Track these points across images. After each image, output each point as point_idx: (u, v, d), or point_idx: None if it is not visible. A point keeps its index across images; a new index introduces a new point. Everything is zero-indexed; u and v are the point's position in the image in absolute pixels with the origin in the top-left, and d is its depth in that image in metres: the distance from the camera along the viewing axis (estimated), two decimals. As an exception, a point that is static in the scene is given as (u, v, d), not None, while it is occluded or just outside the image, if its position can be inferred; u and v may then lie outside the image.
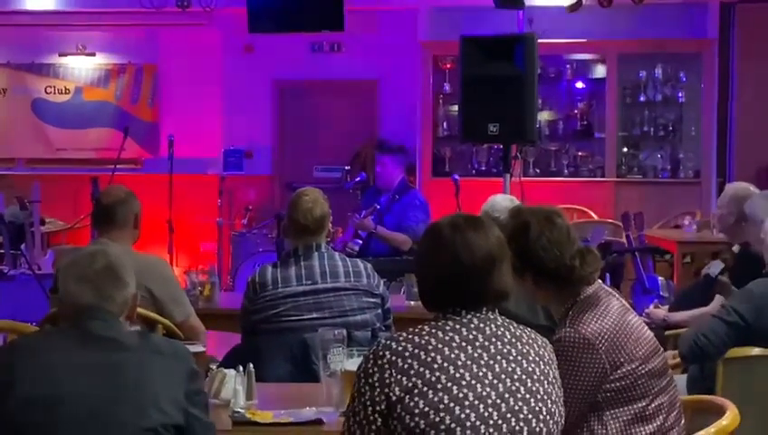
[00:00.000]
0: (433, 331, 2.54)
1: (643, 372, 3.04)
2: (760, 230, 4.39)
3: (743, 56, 10.39)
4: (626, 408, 3.03)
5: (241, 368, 3.40)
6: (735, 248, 5.19)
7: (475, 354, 2.51)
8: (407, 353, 2.48)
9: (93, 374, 2.58)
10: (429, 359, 2.47)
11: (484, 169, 10.87)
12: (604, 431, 3.02)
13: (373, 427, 2.47)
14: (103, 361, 2.61)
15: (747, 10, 10.27)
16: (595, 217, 9.99)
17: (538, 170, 10.83)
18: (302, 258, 4.40)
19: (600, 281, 3.21)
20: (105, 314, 2.69)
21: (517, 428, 2.47)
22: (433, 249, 2.64)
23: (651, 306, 5.52)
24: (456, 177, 7.98)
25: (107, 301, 2.71)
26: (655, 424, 3.05)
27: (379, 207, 7.41)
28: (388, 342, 2.53)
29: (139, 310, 4.32)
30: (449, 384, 2.45)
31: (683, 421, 3.16)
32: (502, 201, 5.08)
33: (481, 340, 2.53)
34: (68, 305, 2.75)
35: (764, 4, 9.09)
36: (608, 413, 3.03)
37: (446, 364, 2.47)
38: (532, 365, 2.55)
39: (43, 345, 2.72)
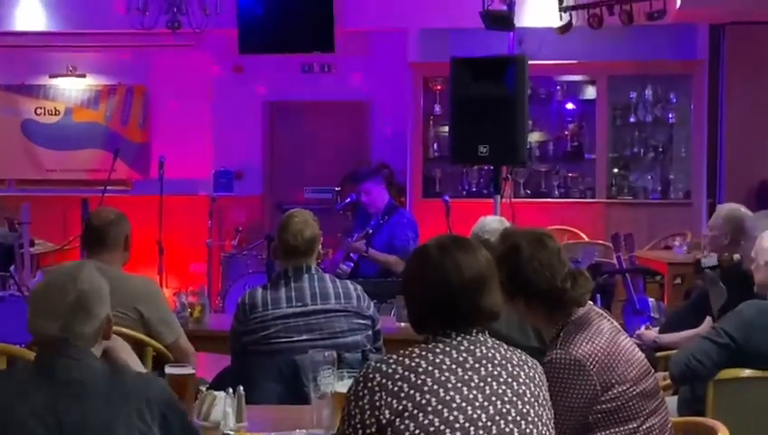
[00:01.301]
0: (423, 353, 2.53)
1: (634, 393, 3.04)
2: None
3: (732, 77, 10.42)
4: (617, 429, 3.03)
5: (231, 390, 3.38)
6: (737, 257, 5.18)
7: (466, 377, 2.50)
8: (397, 376, 2.48)
9: (52, 427, 2.50)
10: (420, 381, 2.47)
11: (474, 190, 10.87)
12: (595, 453, 3.01)
13: (364, 449, 2.46)
14: (65, 411, 2.52)
15: (737, 31, 10.31)
16: (585, 238, 9.99)
17: (528, 191, 10.84)
18: (292, 280, 4.39)
19: (590, 303, 3.20)
20: (74, 350, 2.61)
21: (508, 450, 2.46)
22: (421, 271, 2.63)
23: (642, 328, 5.52)
24: (447, 198, 7.97)
25: (77, 337, 2.63)
26: (646, 446, 3.05)
27: (371, 231, 7.43)
28: (379, 364, 2.52)
29: (129, 331, 4.31)
30: (440, 407, 2.44)
31: (674, 443, 3.15)
32: (492, 222, 5.07)
33: (471, 362, 2.53)
34: (37, 337, 2.67)
35: (754, 25, 9.12)
36: (599, 435, 3.02)
37: (436, 387, 2.46)
38: (523, 387, 2.54)
39: (3, 389, 2.61)
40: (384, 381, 2.47)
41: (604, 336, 3.07)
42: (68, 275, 2.75)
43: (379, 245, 7.36)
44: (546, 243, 3.19)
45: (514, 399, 2.51)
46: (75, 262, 2.87)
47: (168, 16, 9.66)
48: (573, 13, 9.54)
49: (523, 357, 2.63)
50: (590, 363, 3.00)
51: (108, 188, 9.56)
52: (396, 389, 2.46)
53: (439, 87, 10.82)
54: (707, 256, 5.15)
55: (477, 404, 2.47)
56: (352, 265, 7.41)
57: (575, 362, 3.00)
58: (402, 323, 5.19)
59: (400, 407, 2.44)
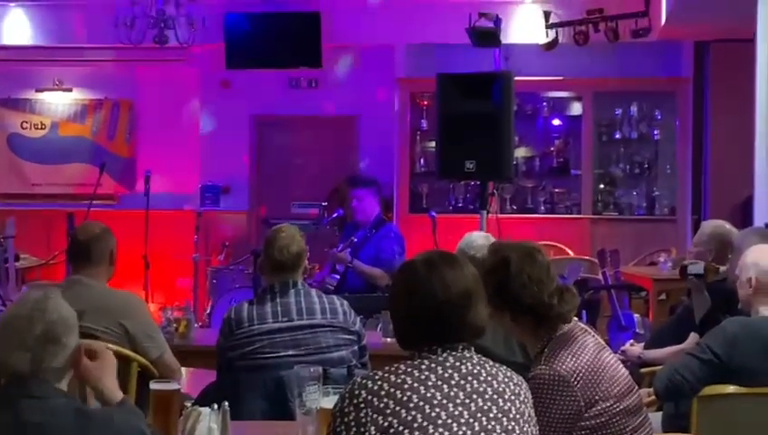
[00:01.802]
0: (409, 369, 2.53)
1: (618, 409, 3.05)
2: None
3: (717, 95, 10.47)
4: (601, 446, 3.03)
5: (216, 406, 3.38)
6: (723, 269, 5.20)
7: (451, 393, 2.50)
8: (382, 392, 2.48)
9: None
10: (405, 398, 2.47)
11: (461, 205, 10.89)
12: (580, 469, 3.01)
13: (349, 466, 2.46)
14: None
15: (721, 49, 10.36)
16: (571, 253, 10.02)
17: (515, 207, 10.86)
18: (278, 295, 4.39)
19: (576, 319, 3.21)
20: (39, 388, 2.54)
21: (493, 466, 2.47)
22: (408, 287, 2.63)
23: (627, 344, 5.53)
24: (433, 213, 7.98)
25: (45, 372, 2.57)
26: (630, 462, 3.06)
27: (356, 240, 7.41)
28: (364, 380, 2.52)
29: (114, 347, 4.30)
30: (425, 423, 2.44)
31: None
32: (478, 238, 5.08)
33: (457, 378, 2.53)
34: (4, 370, 2.59)
35: (738, 43, 9.16)
36: (583, 451, 3.03)
37: (421, 403, 2.46)
38: (508, 404, 2.54)
39: None
40: (370, 397, 2.48)
41: (588, 352, 3.08)
42: (35, 305, 2.67)
43: (365, 258, 7.35)
44: (536, 257, 3.20)
45: (500, 415, 2.51)
46: (40, 292, 2.74)
47: (156, 31, 9.65)
48: (559, 30, 9.60)
49: (509, 373, 2.63)
50: (575, 380, 3.01)
51: (94, 202, 9.53)
52: (381, 405, 2.46)
53: (426, 103, 10.85)
54: (694, 263, 5.16)
55: (463, 421, 2.47)
56: (339, 277, 7.39)
57: (559, 377, 3.01)
58: (388, 339, 5.19)
59: (386, 423, 2.44)
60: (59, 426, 2.51)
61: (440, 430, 2.44)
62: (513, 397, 2.57)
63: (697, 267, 5.08)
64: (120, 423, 2.66)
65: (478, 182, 7.72)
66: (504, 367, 2.65)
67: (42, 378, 2.55)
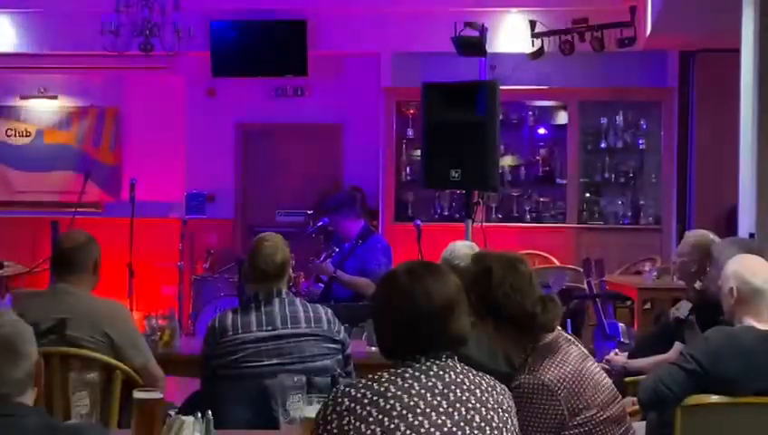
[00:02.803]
0: (392, 378, 2.53)
1: (601, 419, 3.05)
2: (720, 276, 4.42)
3: (702, 104, 10.52)
4: (585, 455, 3.04)
5: (199, 414, 3.37)
6: (698, 285, 5.21)
7: (435, 402, 2.50)
8: (365, 401, 2.47)
9: None
10: (388, 406, 2.46)
11: (446, 214, 10.90)
12: (563, 478, 3.02)
13: (332, 474, 2.45)
14: None
15: (706, 59, 10.41)
16: (557, 262, 10.03)
17: (500, 216, 10.88)
18: (262, 304, 4.38)
19: (559, 328, 3.22)
20: (7, 407, 2.45)
21: (476, 476, 2.46)
22: (391, 296, 2.63)
23: (612, 353, 5.53)
24: (419, 222, 7.95)
25: (6, 384, 2.48)
26: (614, 471, 3.06)
27: (337, 249, 7.39)
28: (347, 389, 2.52)
29: (98, 355, 4.29)
30: (408, 432, 2.43)
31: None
32: (462, 248, 5.08)
33: (440, 387, 2.53)
34: None
35: (723, 53, 9.20)
36: (567, 460, 3.03)
37: (405, 412, 2.46)
38: (491, 413, 2.54)
39: None
40: (352, 405, 2.47)
41: (572, 362, 3.08)
42: None
43: (351, 269, 7.34)
44: (518, 267, 3.20)
45: (483, 424, 2.51)
46: None
47: (141, 39, 9.65)
48: (545, 39, 9.63)
49: (492, 383, 2.63)
50: (559, 388, 3.01)
51: (78, 210, 9.52)
52: (364, 413, 2.46)
53: (412, 111, 10.85)
54: (678, 307, 5.17)
55: (446, 430, 2.47)
56: (323, 286, 7.38)
57: (543, 386, 3.01)
58: (373, 348, 5.18)
59: (368, 432, 2.43)
60: None
61: (423, 438, 2.44)
62: (496, 406, 2.56)
63: (684, 308, 5.10)
64: None
65: (464, 191, 7.72)
66: (488, 376, 2.65)
67: (4, 393, 2.48)
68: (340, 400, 2.50)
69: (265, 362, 4.28)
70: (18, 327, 2.57)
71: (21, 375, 2.51)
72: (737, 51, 7.03)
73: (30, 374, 2.54)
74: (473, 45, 8.49)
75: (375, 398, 2.48)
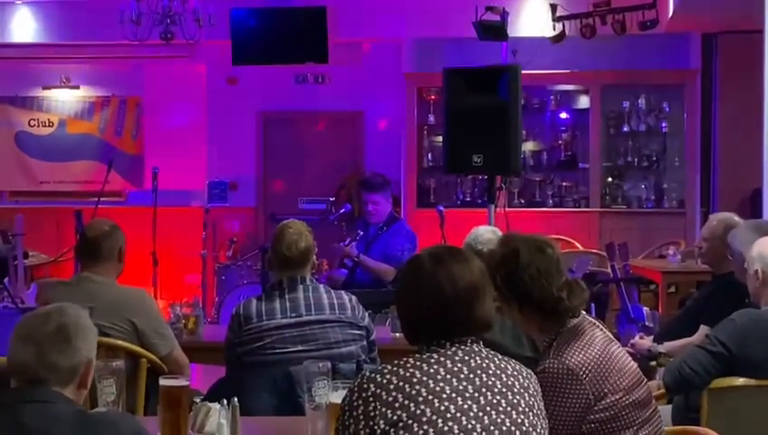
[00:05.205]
0: (418, 363, 2.53)
1: (627, 402, 3.04)
2: (741, 260, 4.40)
3: (725, 87, 10.46)
4: (611, 439, 3.03)
5: (225, 401, 3.38)
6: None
7: (460, 387, 2.50)
8: (391, 386, 2.47)
9: None
10: (414, 392, 2.46)
11: (468, 199, 10.89)
12: (589, 463, 3.01)
13: (358, 460, 2.45)
14: None
15: (729, 40, 10.34)
16: (580, 247, 10.00)
17: (523, 201, 10.86)
18: (286, 291, 4.39)
19: (584, 313, 3.20)
20: (43, 392, 2.48)
21: (502, 460, 2.46)
22: (415, 281, 2.63)
23: (636, 337, 5.51)
24: (441, 208, 7.94)
25: (49, 369, 2.51)
26: (640, 455, 3.05)
27: (362, 233, 7.38)
28: (373, 374, 2.52)
29: (123, 343, 4.32)
30: (434, 417, 2.43)
31: (668, 452, 3.15)
32: (485, 233, 5.07)
33: (466, 372, 2.52)
34: (12, 365, 2.54)
35: (746, 34, 9.14)
36: (592, 444, 3.02)
37: (431, 397, 2.46)
38: (518, 397, 2.54)
39: None
40: (378, 391, 2.47)
41: (597, 346, 3.07)
42: (56, 307, 2.65)
43: (376, 253, 7.34)
44: (545, 251, 3.18)
45: (509, 409, 2.51)
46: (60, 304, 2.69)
47: (162, 28, 9.65)
48: (566, 23, 9.58)
49: (518, 367, 2.62)
50: (583, 373, 3.00)
51: (101, 199, 9.53)
52: (390, 399, 2.46)
53: (433, 97, 10.84)
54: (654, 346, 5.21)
55: (472, 414, 2.46)
56: (347, 271, 7.38)
57: (568, 371, 3.00)
58: (397, 334, 5.18)
59: (395, 417, 2.43)
60: (60, 432, 2.46)
61: (450, 423, 2.43)
62: (522, 390, 2.56)
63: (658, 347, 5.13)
64: (124, 427, 2.59)
65: (486, 176, 7.70)
66: (513, 361, 2.64)
67: (44, 379, 2.50)
68: (365, 386, 2.49)
69: (290, 349, 4.29)
70: (79, 322, 2.59)
71: (65, 365, 2.53)
72: (761, 32, 6.98)
73: (76, 369, 2.55)
74: (494, 30, 8.47)
75: (401, 383, 2.48)
